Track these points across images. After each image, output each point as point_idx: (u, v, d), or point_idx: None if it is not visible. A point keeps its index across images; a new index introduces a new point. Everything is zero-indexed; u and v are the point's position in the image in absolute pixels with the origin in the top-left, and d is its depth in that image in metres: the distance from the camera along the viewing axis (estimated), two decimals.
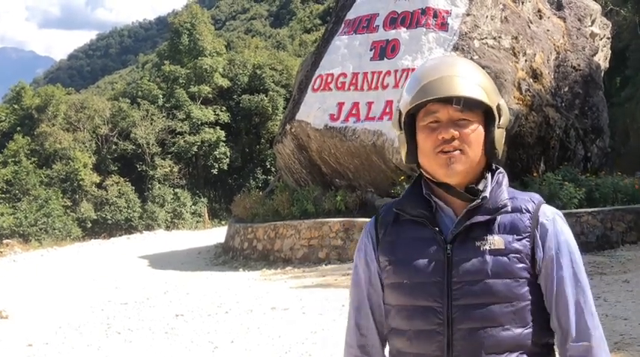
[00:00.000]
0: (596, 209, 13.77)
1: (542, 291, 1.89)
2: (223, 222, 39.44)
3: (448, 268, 1.86)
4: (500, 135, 1.92)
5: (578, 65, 18.28)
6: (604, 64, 21.37)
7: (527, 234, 1.87)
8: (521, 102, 15.48)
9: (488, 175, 1.93)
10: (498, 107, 1.90)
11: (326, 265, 14.41)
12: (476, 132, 1.87)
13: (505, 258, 1.84)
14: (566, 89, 17.70)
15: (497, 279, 1.83)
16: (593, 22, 20.81)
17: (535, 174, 15.33)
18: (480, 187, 1.90)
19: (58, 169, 43.77)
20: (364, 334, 2.03)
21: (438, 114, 1.86)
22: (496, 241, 1.85)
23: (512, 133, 14.84)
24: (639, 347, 6.24)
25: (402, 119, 1.94)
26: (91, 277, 16.25)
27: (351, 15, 17.45)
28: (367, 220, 2.11)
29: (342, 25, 17.50)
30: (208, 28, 52.60)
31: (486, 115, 1.90)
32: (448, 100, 1.84)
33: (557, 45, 18.35)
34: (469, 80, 1.87)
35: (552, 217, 1.91)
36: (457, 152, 1.85)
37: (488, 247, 1.85)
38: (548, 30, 18.43)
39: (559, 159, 16.64)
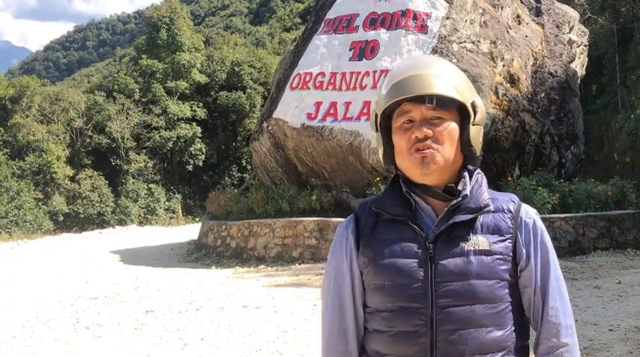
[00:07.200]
0: (569, 215, 13.87)
1: (520, 290, 1.89)
2: (197, 219, 39.29)
3: (431, 268, 1.82)
4: (476, 132, 1.88)
5: (555, 72, 18.43)
6: (580, 72, 21.55)
7: (510, 235, 1.85)
8: (497, 106, 15.55)
9: (466, 175, 1.91)
10: (473, 104, 1.87)
11: (299, 264, 14.37)
12: (450, 130, 1.84)
13: (489, 259, 1.82)
14: (543, 95, 17.83)
15: (481, 280, 1.80)
16: (571, 29, 20.98)
17: (510, 178, 15.41)
18: (460, 187, 1.87)
19: (31, 161, 43.29)
20: (349, 338, 1.95)
21: (411, 113, 1.84)
22: (480, 241, 1.83)
23: (488, 138, 14.91)
24: (608, 353, 6.27)
25: (378, 121, 1.91)
26: (61, 271, 16.05)
27: (331, 14, 17.43)
28: (342, 220, 2.06)
29: (322, 24, 17.47)
30: (187, 24, 52.32)
31: (461, 112, 1.86)
32: (421, 99, 1.81)
33: (534, 51, 18.47)
34: (441, 78, 1.84)
35: (533, 218, 1.91)
36: (431, 151, 1.81)
37: (472, 248, 1.82)
38: (526, 36, 18.54)
39: (534, 164, 16.76)
